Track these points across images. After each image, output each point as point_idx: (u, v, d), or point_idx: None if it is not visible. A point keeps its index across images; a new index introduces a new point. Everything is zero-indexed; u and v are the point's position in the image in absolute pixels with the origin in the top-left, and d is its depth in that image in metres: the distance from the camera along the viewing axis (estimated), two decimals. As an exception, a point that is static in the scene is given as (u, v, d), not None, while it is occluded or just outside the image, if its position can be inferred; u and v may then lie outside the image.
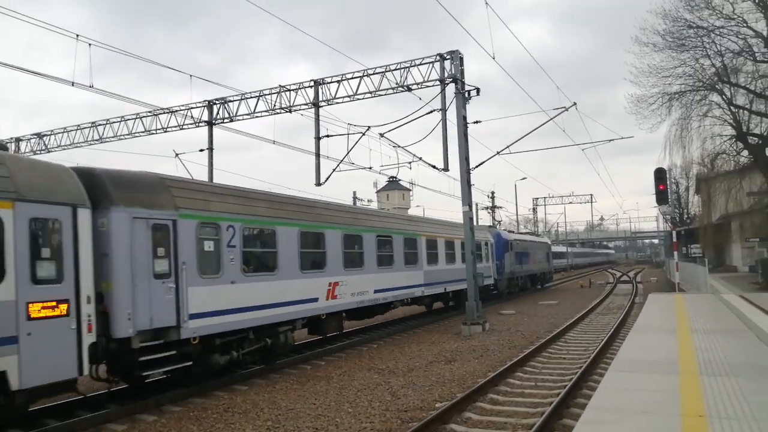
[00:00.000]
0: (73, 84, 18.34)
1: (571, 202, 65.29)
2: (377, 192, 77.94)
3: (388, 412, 8.92)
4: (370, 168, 22.74)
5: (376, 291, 16.43)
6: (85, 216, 8.40)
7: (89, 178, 8.92)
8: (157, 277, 9.52)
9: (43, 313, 7.67)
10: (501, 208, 50.12)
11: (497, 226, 39.90)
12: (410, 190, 72.60)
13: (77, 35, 16.98)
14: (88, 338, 8.23)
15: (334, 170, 21.45)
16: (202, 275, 10.39)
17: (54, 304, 7.83)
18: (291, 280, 12.80)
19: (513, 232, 39.52)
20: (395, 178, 32.89)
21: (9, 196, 7.43)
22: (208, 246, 10.69)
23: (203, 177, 23.53)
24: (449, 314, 22.74)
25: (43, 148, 26.06)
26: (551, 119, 22.35)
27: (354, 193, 48.93)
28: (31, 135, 26.66)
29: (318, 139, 21.24)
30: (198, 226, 10.44)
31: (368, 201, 56.33)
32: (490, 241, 28.64)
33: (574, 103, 22.37)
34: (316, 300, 13.70)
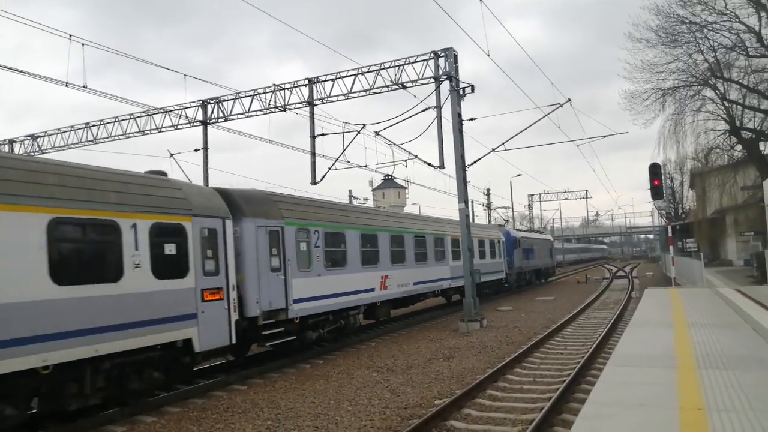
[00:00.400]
0: (66, 84, 18.26)
1: (566, 198, 65.23)
2: (373, 190, 77.83)
3: (388, 409, 8.94)
4: (366, 166, 22.72)
5: (414, 283, 19.18)
6: (229, 225, 11.09)
7: (225, 196, 11.62)
8: (272, 271, 12.35)
9: (210, 297, 10.35)
10: (507, 208, 50.62)
11: (506, 225, 41.01)
12: (406, 188, 72.62)
13: (70, 35, 16.91)
14: (234, 316, 10.86)
15: (329, 169, 21.45)
16: (300, 269, 13.25)
17: (216, 290, 10.52)
18: (356, 274, 15.69)
19: (520, 230, 41.25)
20: (391, 176, 32.85)
21: (188, 213, 10.16)
22: (303, 246, 13.53)
23: (198, 177, 23.49)
24: (447, 311, 22.81)
25: (37, 149, 25.92)
26: (546, 115, 22.40)
27: (350, 191, 48.97)
28: (25, 136, 26.52)
29: (313, 137, 21.20)
30: (296, 231, 13.32)
31: (364, 199, 56.28)
32: (501, 239, 30.86)
33: (569, 100, 22.44)
34: (372, 290, 16.54)
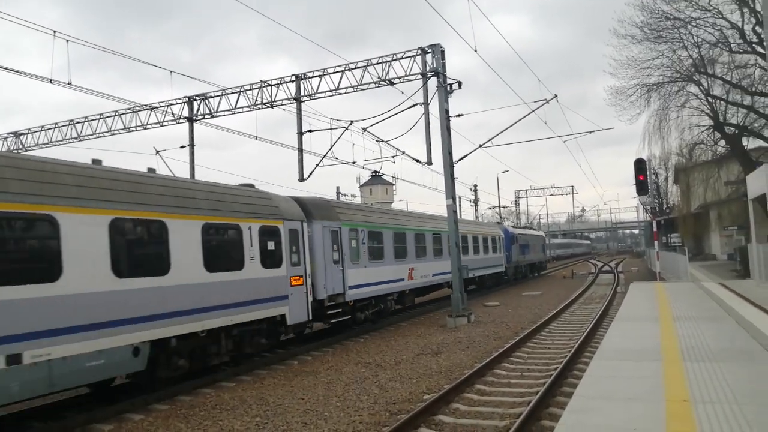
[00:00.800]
0: (51, 81, 17.95)
1: (552, 194, 65.94)
2: (360, 187, 77.72)
3: (377, 405, 8.95)
4: (354, 163, 22.67)
5: (434, 274, 22.04)
6: (305, 227, 14.07)
7: (299, 203, 14.62)
8: (334, 263, 15.28)
9: (295, 282, 13.29)
10: (499, 207, 51.38)
11: (503, 222, 43.47)
12: (393, 184, 72.57)
13: (54, 32, 16.61)
14: (309, 298, 13.79)
15: (317, 165, 21.31)
16: (352, 262, 16.20)
17: (298, 278, 13.44)
18: (391, 266, 18.74)
19: (517, 227, 44.14)
20: (378, 172, 32.78)
21: (281, 217, 13.14)
22: (353, 243, 16.46)
23: (185, 174, 23.26)
24: (434, 307, 22.91)
25: (21, 147, 25.52)
26: (533, 111, 22.46)
27: (338, 188, 48.76)
28: (8, 134, 26.09)
29: (300, 134, 21.06)
30: (349, 231, 16.28)
31: (352, 196, 56.22)
32: (500, 236, 33.77)
33: (555, 96, 22.52)
34: (402, 280, 19.59)
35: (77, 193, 8.61)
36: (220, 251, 11.21)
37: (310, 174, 21.26)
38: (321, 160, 21.18)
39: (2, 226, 7.67)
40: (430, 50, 18.48)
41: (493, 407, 8.53)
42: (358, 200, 62.89)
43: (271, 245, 12.60)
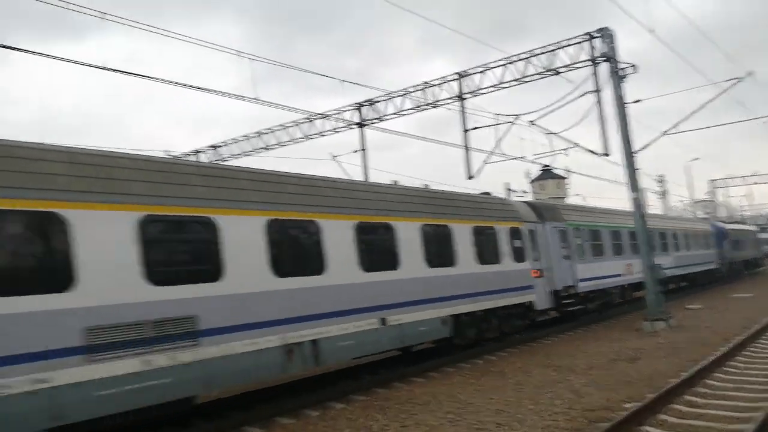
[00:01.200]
0: (241, 97, 19.75)
1: (755, 183, 57.31)
2: (531, 182, 75.12)
3: (572, 410, 8.55)
4: (522, 158, 21.84)
5: None
6: (540, 227, 16.51)
7: (531, 207, 17.11)
8: (564, 258, 17.32)
9: (536, 275, 15.72)
10: (704, 201, 47.55)
11: (709, 217, 42.10)
12: (566, 178, 69.03)
13: (238, 52, 17.64)
14: (549, 288, 16.29)
15: (485, 162, 20.90)
16: (579, 258, 18.10)
17: (539, 271, 15.85)
18: (610, 261, 20.48)
19: (726, 222, 42.52)
20: (549, 166, 31.26)
21: (520, 219, 15.67)
22: (578, 241, 18.39)
23: (358, 176, 24.11)
24: (626, 310, 21.52)
25: (219, 157, 28.46)
26: (724, 91, 19.95)
27: (507, 184, 47.54)
28: (207, 147, 29.18)
29: (466, 131, 20.88)
30: (573, 230, 18.21)
31: (523, 192, 54.60)
32: (710, 232, 33.87)
33: (750, 72, 19.76)
34: (621, 275, 21.06)
35: (333, 203, 11.32)
36: (484, 248, 13.94)
37: (478, 171, 20.96)
38: (488, 157, 20.82)
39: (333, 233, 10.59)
40: (598, 35, 17.31)
41: (708, 421, 7.66)
42: (529, 197, 60.98)
43: (517, 243, 15.06)
